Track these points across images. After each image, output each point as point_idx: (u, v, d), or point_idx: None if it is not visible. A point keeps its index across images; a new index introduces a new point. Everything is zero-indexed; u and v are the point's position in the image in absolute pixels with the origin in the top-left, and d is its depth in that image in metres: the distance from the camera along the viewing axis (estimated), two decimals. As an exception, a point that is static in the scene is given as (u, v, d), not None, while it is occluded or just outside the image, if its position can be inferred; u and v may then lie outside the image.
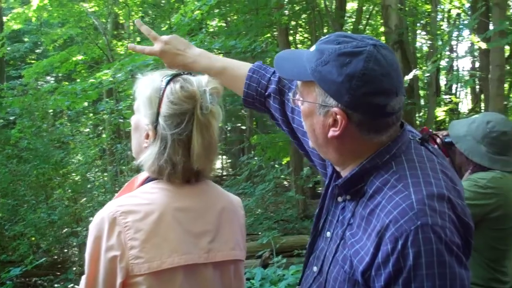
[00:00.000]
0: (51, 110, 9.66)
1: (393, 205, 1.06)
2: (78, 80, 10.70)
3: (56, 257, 8.41)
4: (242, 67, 1.71)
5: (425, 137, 1.22)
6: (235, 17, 10.51)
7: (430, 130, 2.33)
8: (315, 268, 1.28)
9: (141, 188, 1.38)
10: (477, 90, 14.73)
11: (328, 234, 1.27)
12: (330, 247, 1.23)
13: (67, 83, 12.26)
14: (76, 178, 9.32)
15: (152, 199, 1.32)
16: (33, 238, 7.80)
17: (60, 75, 14.91)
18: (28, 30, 14.74)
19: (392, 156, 1.15)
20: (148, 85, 1.39)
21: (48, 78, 16.48)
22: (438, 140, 2.23)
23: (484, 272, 2.14)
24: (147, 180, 1.40)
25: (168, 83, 1.36)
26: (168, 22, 7.35)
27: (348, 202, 1.21)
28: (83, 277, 1.31)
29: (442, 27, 12.91)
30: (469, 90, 16.94)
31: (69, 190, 8.76)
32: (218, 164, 17.95)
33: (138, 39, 15.34)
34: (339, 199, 1.26)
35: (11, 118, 8.88)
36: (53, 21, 12.51)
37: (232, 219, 1.47)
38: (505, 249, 2.16)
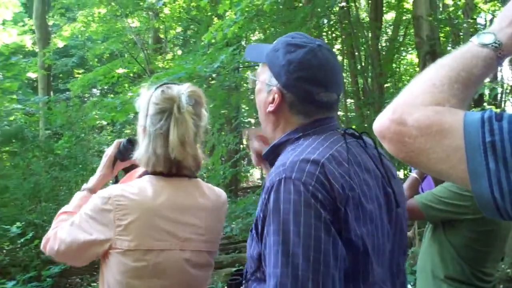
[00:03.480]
0: (96, 122, 10.09)
1: (275, 166, 1.21)
2: (121, 93, 11.16)
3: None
4: None
5: (348, 132, 1.32)
6: (268, 30, 10.71)
7: None
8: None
9: (137, 180, 1.65)
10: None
11: None
12: None
13: (112, 95, 12.77)
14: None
15: (143, 190, 1.57)
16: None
17: (105, 87, 15.51)
18: (75, 45, 15.45)
19: (304, 134, 1.30)
20: (143, 95, 1.68)
21: (94, 90, 17.14)
22: None
23: (463, 269, 2.17)
24: (144, 173, 1.66)
25: (155, 90, 1.64)
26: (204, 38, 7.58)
27: None
28: (77, 220, 1.59)
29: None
30: (512, 99, 16.35)
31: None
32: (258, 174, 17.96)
33: (179, 51, 15.71)
34: None
35: (55, 129, 9.38)
36: (96, 37, 13.10)
37: (215, 215, 1.70)
38: (485, 250, 2.17)
